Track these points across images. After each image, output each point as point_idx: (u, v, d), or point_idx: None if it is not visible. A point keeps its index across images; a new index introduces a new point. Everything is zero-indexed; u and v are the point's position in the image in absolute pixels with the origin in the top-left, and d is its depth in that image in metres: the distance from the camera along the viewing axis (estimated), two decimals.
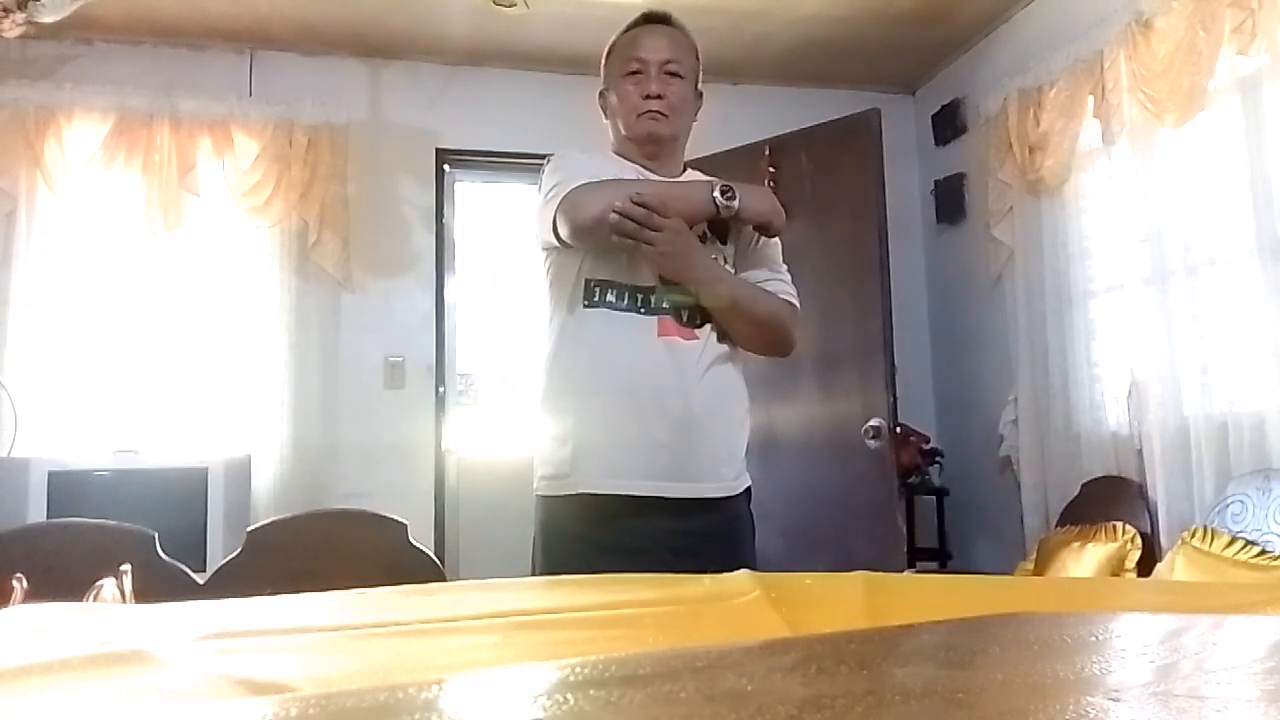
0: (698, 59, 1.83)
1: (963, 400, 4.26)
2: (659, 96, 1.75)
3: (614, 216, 1.59)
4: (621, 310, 1.70)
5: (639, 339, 1.68)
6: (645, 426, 1.67)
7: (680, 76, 1.78)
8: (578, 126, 1.89)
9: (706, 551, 1.58)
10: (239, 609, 1.04)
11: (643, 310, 1.70)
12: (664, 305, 1.70)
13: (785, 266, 1.87)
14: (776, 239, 1.85)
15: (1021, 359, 3.73)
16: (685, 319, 1.71)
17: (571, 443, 1.71)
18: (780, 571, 1.19)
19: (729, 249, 1.81)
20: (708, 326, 1.73)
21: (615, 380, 1.69)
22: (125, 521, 2.19)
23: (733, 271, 1.80)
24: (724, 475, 1.74)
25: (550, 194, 1.70)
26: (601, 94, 1.86)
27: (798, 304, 1.83)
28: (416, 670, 0.82)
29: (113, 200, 3.76)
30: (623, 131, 1.80)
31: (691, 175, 1.87)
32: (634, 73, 1.76)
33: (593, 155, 1.82)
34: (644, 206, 1.59)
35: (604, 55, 1.85)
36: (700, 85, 1.85)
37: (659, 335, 1.69)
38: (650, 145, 1.79)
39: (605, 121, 1.86)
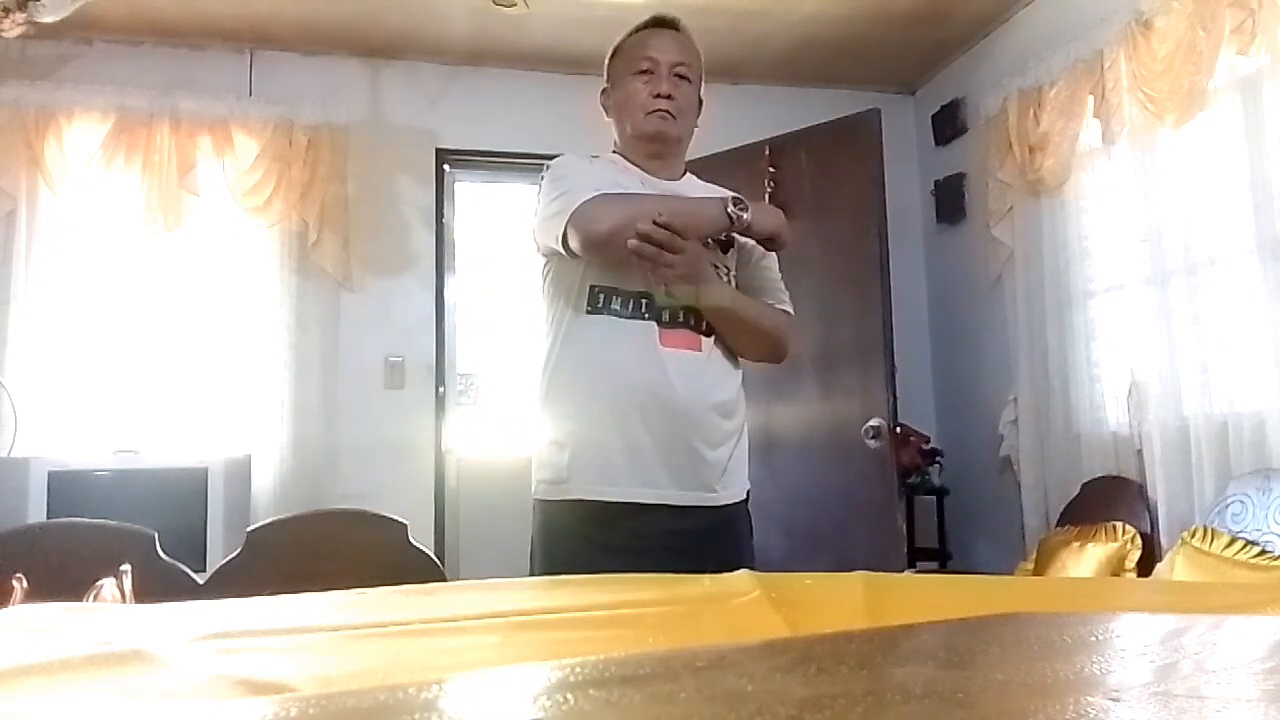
0: (701, 65, 1.85)
1: (963, 400, 4.26)
2: (669, 97, 1.75)
3: (633, 242, 1.58)
4: (626, 317, 1.70)
5: (642, 347, 1.68)
6: (645, 435, 1.67)
7: (689, 80, 1.79)
8: (578, 126, 1.89)
9: (705, 552, 1.58)
10: (239, 609, 1.04)
11: (647, 316, 1.69)
12: (664, 313, 1.70)
13: (781, 277, 1.89)
14: (773, 253, 1.87)
15: (1021, 359, 3.73)
16: (688, 323, 1.72)
17: (570, 448, 1.71)
18: (780, 571, 1.19)
19: (730, 258, 1.82)
20: (712, 338, 1.74)
21: (617, 387, 1.69)
22: (125, 521, 2.18)
23: (733, 283, 1.81)
24: (724, 484, 1.74)
25: (556, 203, 1.68)
26: (604, 92, 1.86)
27: (793, 313, 1.87)
28: (416, 670, 0.82)
29: (113, 200, 3.76)
30: (628, 129, 1.80)
31: (692, 179, 1.87)
32: (645, 71, 1.76)
33: (592, 161, 1.81)
34: (666, 228, 1.59)
35: (609, 55, 1.85)
36: (701, 91, 1.86)
37: (662, 345, 1.69)
38: (657, 144, 1.79)
39: (608, 120, 1.86)
